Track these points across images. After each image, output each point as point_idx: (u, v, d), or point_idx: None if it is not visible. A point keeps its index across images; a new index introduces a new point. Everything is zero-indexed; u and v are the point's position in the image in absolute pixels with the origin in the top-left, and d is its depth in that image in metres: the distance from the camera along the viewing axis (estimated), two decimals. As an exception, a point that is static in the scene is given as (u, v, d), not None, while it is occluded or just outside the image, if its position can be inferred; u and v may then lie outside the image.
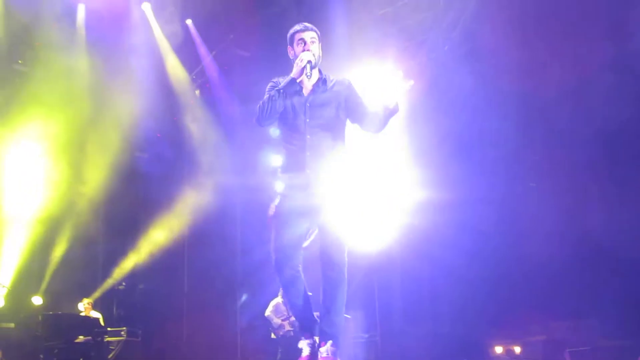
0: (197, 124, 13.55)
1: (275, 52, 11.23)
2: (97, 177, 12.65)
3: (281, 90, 3.95)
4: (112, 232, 13.60)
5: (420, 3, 10.50)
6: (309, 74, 3.95)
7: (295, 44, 4.08)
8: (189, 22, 12.28)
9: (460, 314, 9.98)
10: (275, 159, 3.80)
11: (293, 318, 10.36)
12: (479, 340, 9.86)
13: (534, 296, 9.44)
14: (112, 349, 11.12)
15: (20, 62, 12.09)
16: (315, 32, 4.11)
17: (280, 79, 4.09)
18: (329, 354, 3.96)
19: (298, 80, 3.99)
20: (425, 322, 10.47)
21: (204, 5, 11.27)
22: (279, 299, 10.01)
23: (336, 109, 4.09)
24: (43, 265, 12.56)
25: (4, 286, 10.95)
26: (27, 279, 12.08)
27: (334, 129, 4.08)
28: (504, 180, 10.06)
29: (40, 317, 10.65)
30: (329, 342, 3.99)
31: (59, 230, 12.61)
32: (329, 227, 3.99)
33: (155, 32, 12.19)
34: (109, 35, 11.72)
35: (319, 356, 3.97)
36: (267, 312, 9.80)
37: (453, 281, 10.15)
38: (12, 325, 11.11)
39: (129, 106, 12.35)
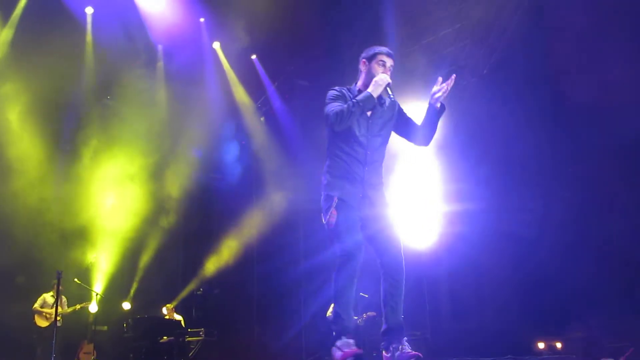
0: (263, 147, 14.47)
1: (332, 80, 12.18)
2: (177, 195, 13.80)
3: (359, 104, 4.04)
4: (191, 244, 14.65)
5: (460, 31, 11.22)
6: (391, 95, 4.16)
7: (375, 62, 4.22)
8: (253, 57, 13.29)
9: (504, 312, 10.18)
10: (328, 164, 4.20)
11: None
12: (522, 337, 9.88)
13: (576, 293, 9.39)
14: (192, 348, 11.96)
15: (108, 97, 13.33)
16: (394, 61, 4.32)
17: (343, 89, 4.25)
18: (407, 347, 4.06)
19: (375, 96, 4.09)
20: (471, 320, 10.78)
21: (266, 42, 12.24)
22: (334, 304, 10.91)
23: (390, 129, 4.35)
24: (131, 275, 13.64)
25: (97, 293, 11.94)
26: (117, 287, 13.21)
27: (386, 146, 4.34)
28: (542, 191, 10.40)
29: (129, 321, 11.65)
30: (405, 339, 4.12)
31: (144, 244, 13.70)
32: (389, 234, 4.16)
33: (225, 67, 13.23)
34: (184, 71, 12.75)
35: (399, 352, 4.02)
36: (329, 313, 10.60)
37: (497, 282, 10.45)
38: (105, 327, 12.43)
39: (204, 133, 13.39)
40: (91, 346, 11.65)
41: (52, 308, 10.80)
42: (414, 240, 11.08)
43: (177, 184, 13.84)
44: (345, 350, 3.97)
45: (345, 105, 4.02)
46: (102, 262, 13.07)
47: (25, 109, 11.90)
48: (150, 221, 13.57)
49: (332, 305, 9.87)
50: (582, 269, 9.44)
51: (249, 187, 15.03)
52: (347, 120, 4.02)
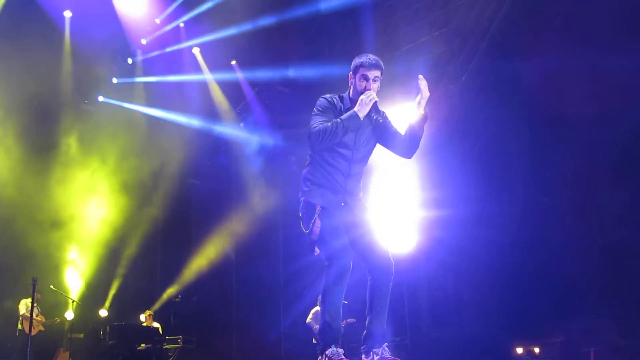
0: (241, 152, 14.46)
1: (310, 88, 12.22)
2: (155, 200, 13.73)
3: (344, 124, 3.94)
4: (169, 250, 14.53)
5: (438, 39, 11.28)
6: (374, 117, 4.07)
7: (358, 76, 4.08)
8: (233, 62, 13.27)
9: (484, 318, 10.22)
10: (309, 170, 4.14)
11: None
12: (501, 342, 10.03)
13: (552, 299, 9.62)
14: (171, 355, 11.89)
15: (86, 101, 13.25)
16: (381, 69, 4.10)
17: (334, 99, 4.14)
18: (387, 353, 4.02)
19: (362, 116, 3.97)
20: (451, 325, 10.82)
21: (246, 48, 12.25)
22: (318, 307, 10.94)
23: (375, 142, 4.25)
24: (108, 282, 13.51)
25: (73, 300, 11.81)
26: (94, 294, 13.14)
27: (369, 158, 4.28)
28: (522, 197, 10.47)
29: (106, 328, 11.54)
30: (385, 344, 4.07)
31: (122, 250, 13.61)
32: (373, 239, 4.13)
33: (204, 72, 13.23)
34: (163, 75, 12.80)
35: (379, 357, 3.99)
36: (308, 319, 10.51)
37: (475, 287, 10.53)
38: (81, 335, 12.28)
39: (182, 138, 13.36)
40: (67, 354, 11.48)
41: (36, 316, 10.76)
42: (392, 246, 10.80)
43: (155, 189, 13.80)
44: (335, 359, 3.92)
45: (329, 124, 3.92)
46: (78, 268, 12.97)
47: (4, 112, 11.86)
48: (127, 227, 13.50)
49: (314, 311, 9.78)
50: (560, 274, 9.61)
51: (228, 193, 14.99)
52: (329, 141, 3.94)
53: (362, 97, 3.99)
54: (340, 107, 4.14)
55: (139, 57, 12.95)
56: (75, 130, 12.71)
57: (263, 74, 13.04)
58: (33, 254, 12.01)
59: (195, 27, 12.48)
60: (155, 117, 13.57)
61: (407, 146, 4.22)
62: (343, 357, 3.91)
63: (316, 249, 4.02)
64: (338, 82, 12.13)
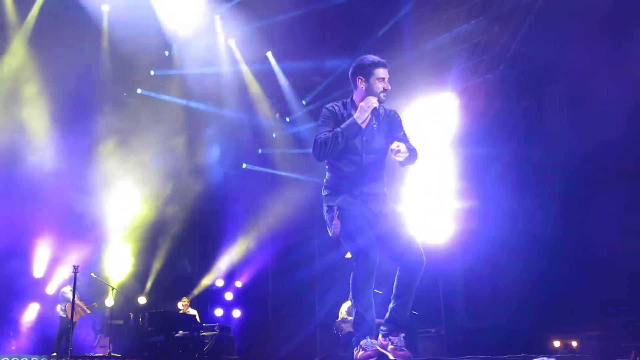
0: (278, 143, 14.53)
1: (346, 81, 12.19)
2: (193, 189, 13.91)
3: (344, 133, 4.01)
4: (206, 239, 14.80)
5: (475, 28, 11.18)
6: (374, 124, 4.11)
7: (374, 78, 4.08)
8: (269, 54, 13.32)
9: (520, 310, 10.12)
10: (327, 177, 4.23)
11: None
12: (538, 335, 9.87)
13: (592, 293, 9.34)
14: (207, 343, 12.01)
15: (125, 94, 13.50)
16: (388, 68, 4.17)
17: (336, 107, 4.20)
18: (402, 344, 4.07)
19: (360, 123, 4.03)
20: (486, 318, 10.71)
21: (281, 39, 12.31)
22: (349, 303, 10.92)
23: (386, 138, 4.25)
24: (146, 270, 13.79)
25: (113, 288, 12.05)
26: (133, 282, 13.42)
27: (384, 154, 4.27)
28: (561, 188, 10.29)
29: (145, 315, 11.82)
30: (402, 334, 4.12)
31: (160, 240, 13.89)
32: (403, 231, 4.17)
33: (240, 64, 13.32)
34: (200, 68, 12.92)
35: (388, 345, 4.04)
36: (344, 313, 10.63)
37: (512, 280, 10.40)
38: (121, 322, 12.60)
39: (219, 130, 13.49)
40: (107, 340, 11.76)
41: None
42: (429, 237, 11.06)
43: (193, 178, 13.93)
44: (369, 350, 3.97)
45: (330, 135, 4.00)
46: (117, 257, 13.24)
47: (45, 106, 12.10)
48: (165, 216, 13.74)
49: (346, 306, 9.79)
50: (600, 267, 9.34)
51: (265, 184, 15.09)
52: (331, 151, 4.01)
53: (361, 104, 4.04)
54: (343, 113, 4.19)
55: (176, 49, 13.02)
56: (115, 122, 12.85)
57: (298, 64, 13.07)
58: (72, 243, 12.27)
59: (231, 18, 12.48)
60: (192, 109, 13.69)
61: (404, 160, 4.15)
62: (377, 348, 3.96)
63: (348, 252, 4.13)
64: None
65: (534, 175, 10.64)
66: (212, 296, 14.39)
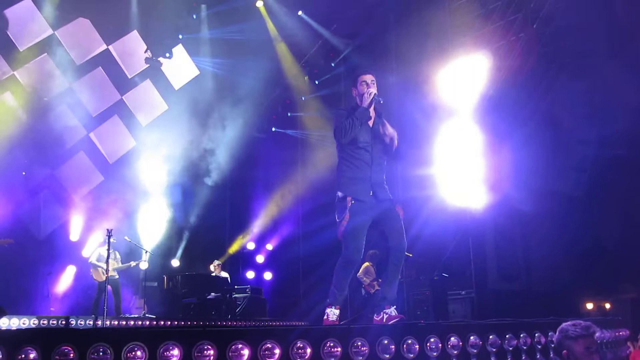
0: (306, 104, 14.48)
1: (376, 42, 12.00)
2: (223, 152, 14.01)
3: (358, 117, 4.86)
4: (237, 202, 14.92)
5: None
6: (381, 100, 4.98)
7: (359, 85, 5.04)
8: (300, 13, 13.14)
9: (553, 272, 10.08)
10: (339, 167, 5.03)
11: (380, 280, 11.31)
12: (570, 298, 9.80)
13: (625, 255, 9.31)
14: (239, 304, 12.31)
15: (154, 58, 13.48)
16: (374, 74, 5.13)
17: (342, 110, 5.08)
18: (395, 313, 4.84)
19: (370, 109, 4.96)
20: (518, 280, 10.70)
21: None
22: (368, 264, 11.03)
23: (390, 137, 5.04)
24: (180, 234, 14.04)
25: (147, 251, 12.26)
26: (166, 245, 13.68)
27: (390, 149, 5.05)
28: (593, 151, 10.06)
29: (178, 277, 12.03)
30: (394, 307, 4.89)
31: (192, 204, 14.09)
32: (395, 224, 4.90)
33: (269, 26, 13.21)
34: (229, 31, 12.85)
35: (387, 315, 4.81)
36: (359, 274, 10.77)
37: (545, 241, 10.30)
38: (155, 284, 12.84)
39: (247, 93, 13.50)
40: (142, 301, 11.99)
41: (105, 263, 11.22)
42: (459, 199, 10.98)
43: (223, 141, 14.01)
44: (331, 317, 4.82)
45: (347, 121, 4.85)
46: (150, 221, 13.45)
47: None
48: (196, 181, 13.87)
49: (364, 266, 10.16)
50: (634, 228, 9.22)
51: (294, 146, 15.13)
52: (351, 132, 4.85)
53: (365, 95, 4.96)
54: (348, 111, 5.03)
55: (204, 12, 12.97)
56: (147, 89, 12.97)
57: (327, 27, 12.92)
58: (110, 207, 12.51)
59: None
60: (220, 73, 13.70)
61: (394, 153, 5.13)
62: (336, 318, 4.80)
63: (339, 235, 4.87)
64: (401, 36, 12.03)
65: (567, 135, 10.38)
66: (243, 259, 14.51)
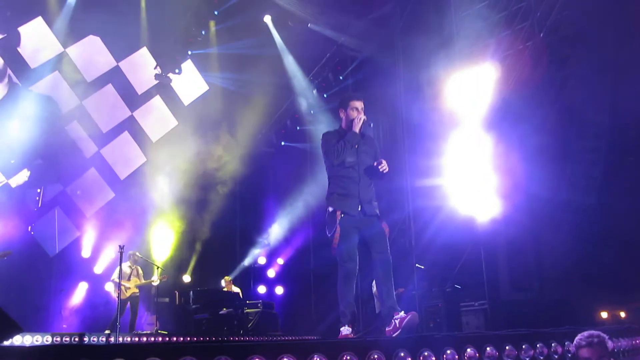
0: (316, 119, 14.52)
1: (384, 53, 12.05)
2: (234, 167, 14.02)
3: (347, 140, 5.29)
4: (247, 217, 14.99)
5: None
6: (371, 124, 5.47)
7: (349, 109, 5.43)
8: (311, 25, 13.13)
9: (566, 281, 9.93)
10: (330, 187, 5.44)
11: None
12: (584, 307, 9.68)
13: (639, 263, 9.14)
14: (251, 319, 12.23)
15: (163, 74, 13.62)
16: (364, 102, 5.52)
17: (330, 133, 5.48)
18: (404, 316, 4.94)
19: (357, 131, 5.36)
20: (531, 290, 10.58)
21: (319, 12, 12.24)
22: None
23: (373, 155, 5.50)
24: (190, 249, 14.05)
25: (158, 267, 12.22)
26: (178, 261, 13.71)
27: (376, 170, 5.35)
28: (605, 158, 10.08)
29: (190, 293, 12.02)
30: (401, 311, 5.03)
31: (202, 219, 14.07)
32: (381, 239, 5.22)
33: (276, 40, 13.29)
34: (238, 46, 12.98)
35: (399, 319, 4.92)
36: (374, 289, 10.74)
37: (557, 250, 10.17)
38: (166, 300, 12.82)
39: (256, 108, 13.55)
40: (154, 317, 11.97)
41: (128, 279, 11.29)
42: (471, 210, 10.92)
43: (233, 156, 14.02)
44: (345, 332, 5.03)
45: (339, 144, 5.28)
46: (162, 238, 13.53)
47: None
48: (206, 196, 13.91)
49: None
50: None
51: (304, 160, 15.13)
52: (343, 155, 5.26)
53: (355, 120, 5.35)
54: (338, 134, 5.45)
55: (212, 28, 13.06)
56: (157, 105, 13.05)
57: (335, 40, 12.93)
58: (121, 223, 12.51)
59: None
60: (229, 88, 13.77)
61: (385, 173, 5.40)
62: (349, 334, 4.98)
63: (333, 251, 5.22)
64: (408, 47, 12.05)
65: (576, 144, 10.36)
66: (254, 273, 14.49)
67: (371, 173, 5.43)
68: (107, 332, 9.75)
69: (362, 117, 5.39)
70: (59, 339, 8.83)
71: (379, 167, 5.29)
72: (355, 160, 5.34)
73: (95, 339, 9.29)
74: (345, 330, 5.01)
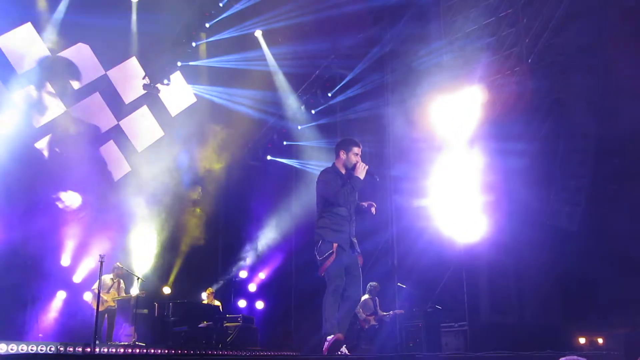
0: (302, 134, 14.52)
1: (372, 73, 12.14)
2: (217, 180, 13.98)
3: (352, 185, 5.75)
4: (231, 229, 14.84)
5: (503, 20, 11.11)
6: (378, 178, 6.01)
7: (351, 153, 5.87)
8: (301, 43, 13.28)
9: (545, 306, 10.12)
10: (324, 221, 5.85)
11: (382, 313, 11.29)
12: (563, 332, 9.90)
13: (618, 289, 9.29)
14: (230, 334, 12.10)
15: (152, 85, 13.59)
16: (361, 148, 6.02)
17: (334, 171, 5.87)
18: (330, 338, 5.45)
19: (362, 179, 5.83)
20: (511, 313, 10.68)
21: (308, 30, 12.31)
22: (367, 297, 11.01)
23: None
24: (171, 261, 13.85)
25: (139, 278, 11.88)
26: (158, 272, 13.49)
27: (361, 209, 5.98)
28: (589, 183, 10.22)
29: (170, 305, 11.92)
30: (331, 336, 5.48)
31: (184, 231, 13.95)
32: (358, 274, 5.77)
33: (266, 55, 13.34)
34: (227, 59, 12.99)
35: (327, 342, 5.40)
36: (357, 307, 10.75)
37: (537, 275, 10.32)
38: (145, 311, 12.50)
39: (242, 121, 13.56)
40: (132, 329, 11.74)
41: (108, 292, 11.25)
42: (453, 232, 11.01)
43: (217, 168, 14.01)
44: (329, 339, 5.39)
45: (346, 188, 5.72)
46: (142, 249, 13.35)
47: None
48: (189, 208, 13.82)
49: (362, 299, 10.27)
50: (627, 263, 9.26)
51: (290, 176, 15.15)
52: (348, 197, 5.72)
53: (359, 168, 5.79)
54: (340, 175, 5.89)
55: (203, 41, 13.09)
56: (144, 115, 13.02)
57: (323, 58, 13.01)
58: (100, 233, 12.45)
59: (258, 9, 12.52)
60: (217, 101, 13.77)
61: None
62: (333, 339, 5.36)
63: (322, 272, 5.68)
64: (397, 68, 12.17)
65: (561, 169, 10.49)
66: (235, 287, 14.41)
67: (359, 212, 5.97)
68: (85, 343, 9.61)
69: (365, 165, 5.85)
70: (34, 347, 8.70)
71: (371, 209, 5.96)
72: (350, 200, 5.80)
73: (71, 349, 9.17)
74: (330, 338, 5.39)
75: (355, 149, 5.92)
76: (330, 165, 6.08)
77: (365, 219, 6.07)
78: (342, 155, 5.94)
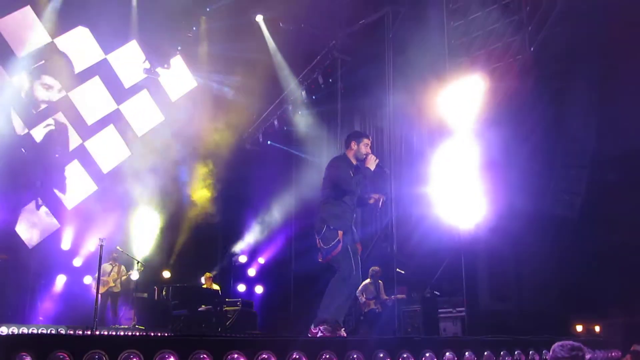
0: (302, 119, 14.53)
1: (374, 60, 12.06)
2: (216, 164, 14.00)
3: (364, 175, 5.99)
4: (230, 213, 14.89)
5: (507, 7, 10.97)
6: (388, 170, 6.24)
7: (362, 144, 6.09)
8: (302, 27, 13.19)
9: (543, 293, 10.03)
10: (330, 208, 5.91)
11: (385, 297, 11.34)
12: (560, 319, 9.80)
13: (617, 277, 9.21)
14: (230, 317, 12.20)
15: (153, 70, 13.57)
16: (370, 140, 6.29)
17: (342, 161, 6.06)
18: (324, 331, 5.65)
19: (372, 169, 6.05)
20: (509, 299, 10.64)
21: (308, 14, 12.23)
22: (368, 281, 11.07)
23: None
24: (171, 244, 13.97)
25: (138, 262, 12.10)
26: (158, 256, 13.62)
27: (362, 199, 6.25)
28: (589, 173, 10.17)
29: (169, 289, 11.91)
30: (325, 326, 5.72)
31: (184, 215, 14.04)
32: (358, 260, 5.91)
33: (267, 40, 13.29)
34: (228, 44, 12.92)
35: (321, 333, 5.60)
36: (357, 292, 10.78)
37: (537, 261, 10.24)
38: (145, 295, 12.69)
39: (241, 106, 13.50)
40: (132, 312, 11.93)
41: (109, 276, 11.42)
42: (453, 218, 10.98)
43: (217, 152, 14.00)
44: (324, 332, 5.56)
45: (357, 177, 5.97)
46: (142, 232, 13.47)
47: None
48: (190, 189, 13.83)
49: (362, 284, 10.37)
50: (627, 252, 9.20)
51: (290, 161, 15.11)
52: (356, 187, 5.97)
53: (370, 160, 6.01)
54: (350, 164, 6.10)
55: (203, 26, 13.02)
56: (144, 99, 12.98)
57: (326, 43, 12.93)
58: (103, 217, 12.43)
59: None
60: (218, 86, 13.72)
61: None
62: (328, 333, 5.51)
63: (320, 257, 5.96)
64: (399, 55, 12.11)
65: (561, 158, 10.46)
66: (235, 271, 14.45)
67: (360, 202, 6.21)
68: (84, 325, 9.67)
69: (376, 158, 6.08)
70: (35, 330, 8.75)
71: (379, 203, 6.25)
72: (356, 189, 6.05)
73: (71, 332, 9.21)
74: (325, 330, 5.55)
75: (366, 140, 6.15)
76: (341, 154, 6.26)
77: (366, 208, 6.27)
78: (354, 145, 6.15)
